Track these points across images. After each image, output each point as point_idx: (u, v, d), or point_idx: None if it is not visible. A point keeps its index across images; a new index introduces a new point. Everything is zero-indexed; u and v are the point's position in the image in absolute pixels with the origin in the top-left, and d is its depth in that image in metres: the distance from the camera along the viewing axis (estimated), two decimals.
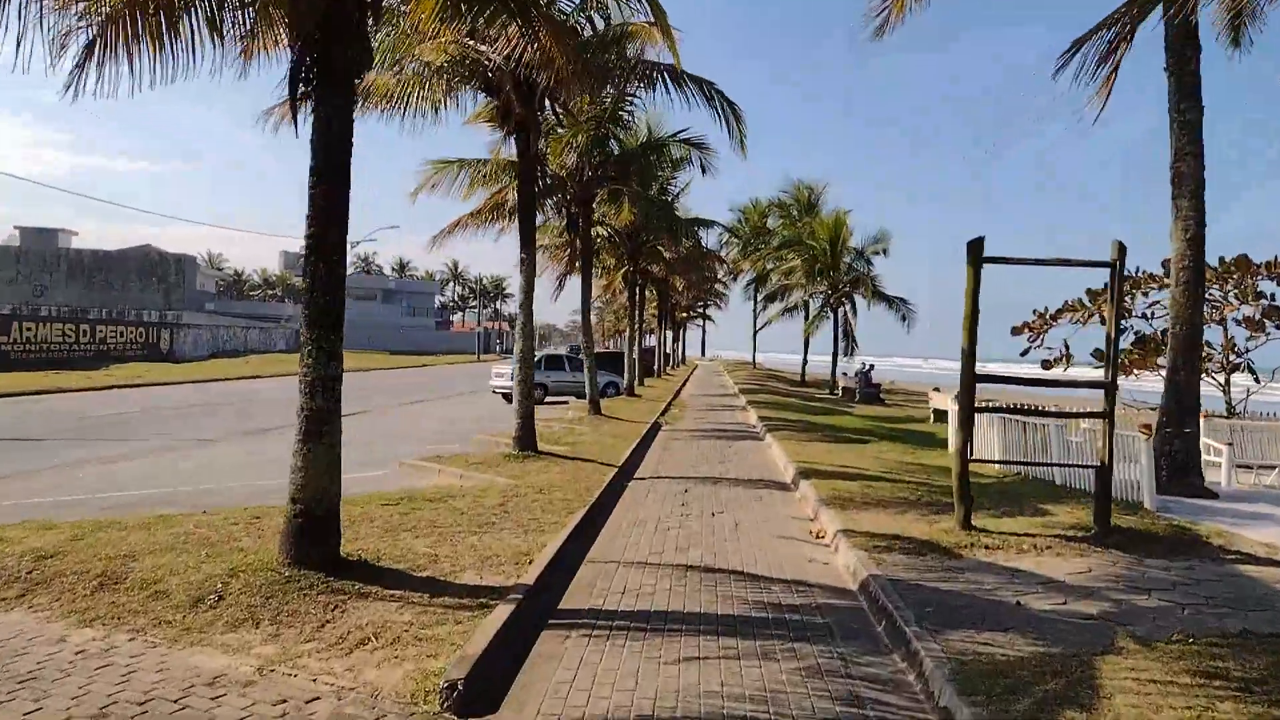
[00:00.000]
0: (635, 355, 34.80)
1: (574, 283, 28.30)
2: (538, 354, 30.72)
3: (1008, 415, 12.47)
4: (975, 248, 8.46)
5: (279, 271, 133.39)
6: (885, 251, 40.09)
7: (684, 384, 42.32)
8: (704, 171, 21.10)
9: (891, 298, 40.69)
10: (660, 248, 31.92)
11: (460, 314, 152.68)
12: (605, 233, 26.57)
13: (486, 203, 19.54)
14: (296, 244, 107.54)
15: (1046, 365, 16.85)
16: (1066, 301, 15.94)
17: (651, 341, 56.87)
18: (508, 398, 29.72)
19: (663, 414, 23.88)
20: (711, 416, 24.38)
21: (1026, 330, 17.02)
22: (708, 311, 76.50)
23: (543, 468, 12.23)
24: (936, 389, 24.84)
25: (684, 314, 67.23)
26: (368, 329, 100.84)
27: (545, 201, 21.30)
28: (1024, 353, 16.54)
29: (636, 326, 29.98)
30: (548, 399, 28.57)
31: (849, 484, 11.43)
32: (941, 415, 24.34)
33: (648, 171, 21.74)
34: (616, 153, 21.18)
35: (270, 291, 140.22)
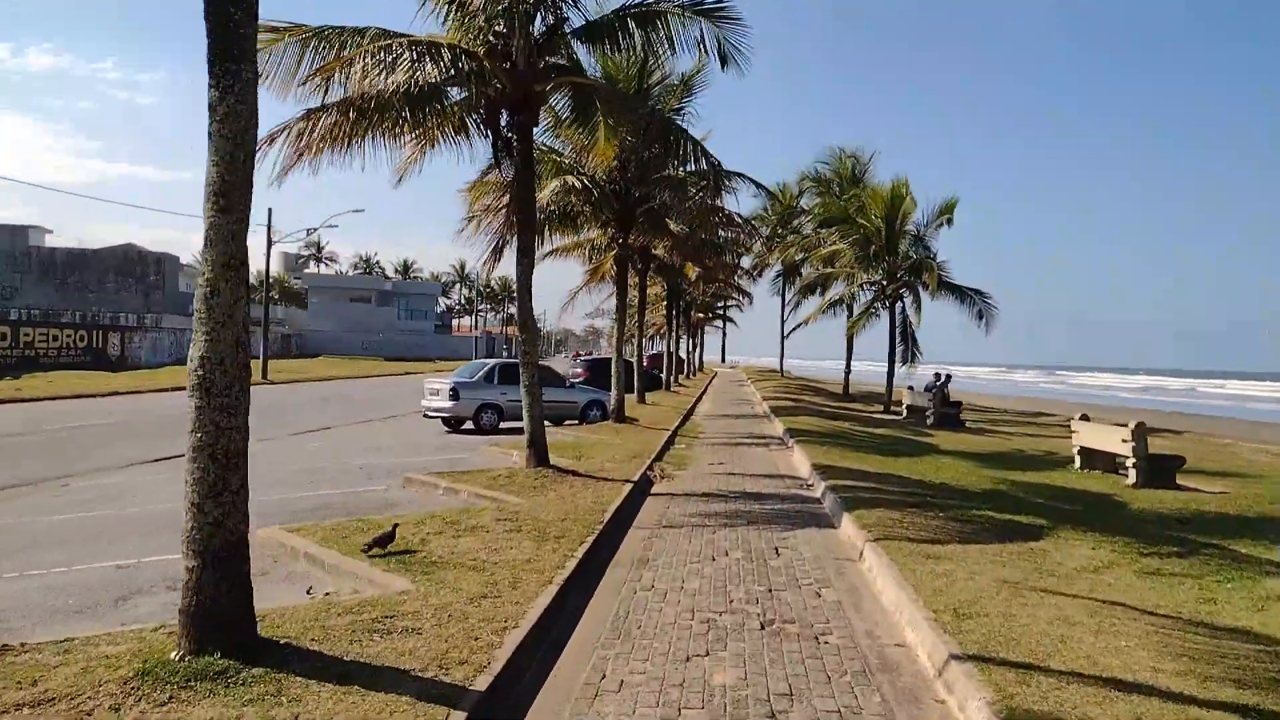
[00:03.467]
0: (632, 360, 26.35)
1: (568, 269, 19.92)
2: (488, 361, 22.12)
3: None
4: None
5: (278, 273, 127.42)
6: (950, 221, 31.12)
7: (698, 400, 33.64)
8: (724, 64, 12.61)
9: (965, 289, 31.83)
10: (668, 220, 23.35)
11: (469, 318, 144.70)
12: (580, 184, 18.00)
13: (356, 91, 11.16)
14: (295, 245, 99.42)
15: None
16: None
17: (657, 347, 48.24)
18: (450, 422, 21.23)
19: (658, 457, 15.27)
20: (736, 460, 15.76)
21: None
22: (729, 312, 67.84)
23: None
24: (1085, 417, 16.10)
25: (701, 315, 58.48)
26: (362, 333, 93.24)
27: (463, 116, 12.86)
28: None
29: (626, 321, 21.15)
30: (503, 425, 20.10)
31: None
32: (1096, 460, 15.61)
33: (636, 62, 13.18)
34: (576, 25, 12.65)
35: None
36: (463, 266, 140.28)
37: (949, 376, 26.80)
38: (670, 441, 17.94)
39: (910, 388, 28.18)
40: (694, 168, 16.51)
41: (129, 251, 76.23)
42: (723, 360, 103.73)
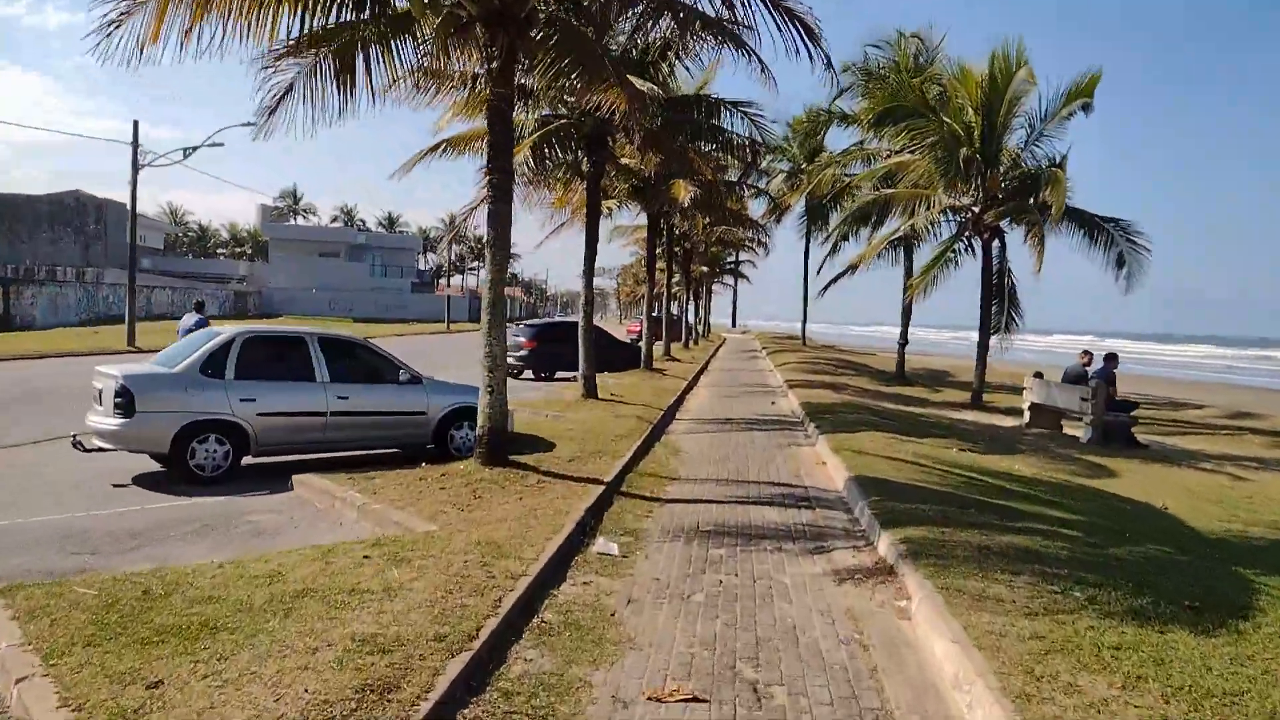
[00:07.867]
0: (572, 323, 15.79)
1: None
2: (223, 331, 11.09)
3: None
4: None
5: (252, 227, 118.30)
6: (1088, 107, 19.72)
7: (690, 386, 22.70)
8: None
9: (1099, 220, 20.67)
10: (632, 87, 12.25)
11: (459, 276, 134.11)
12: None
13: None
14: (268, 197, 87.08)
15: None
16: None
17: (653, 313, 37.26)
18: (160, 459, 10.35)
19: (486, 657, 4.42)
20: (738, 657, 5.00)
21: None
22: (740, 267, 56.67)
23: None
24: None
25: (705, 268, 47.30)
26: (330, 290, 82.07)
27: None
28: None
29: (509, 249, 9.76)
30: (250, 461, 9.44)
31: None
32: None
33: None
34: None
35: (239, 249, 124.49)
36: (452, 219, 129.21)
37: (1113, 356, 15.76)
38: (572, 543, 7.08)
39: (1037, 375, 17.17)
40: None
41: (67, 198, 68.24)
42: (733, 324, 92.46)
